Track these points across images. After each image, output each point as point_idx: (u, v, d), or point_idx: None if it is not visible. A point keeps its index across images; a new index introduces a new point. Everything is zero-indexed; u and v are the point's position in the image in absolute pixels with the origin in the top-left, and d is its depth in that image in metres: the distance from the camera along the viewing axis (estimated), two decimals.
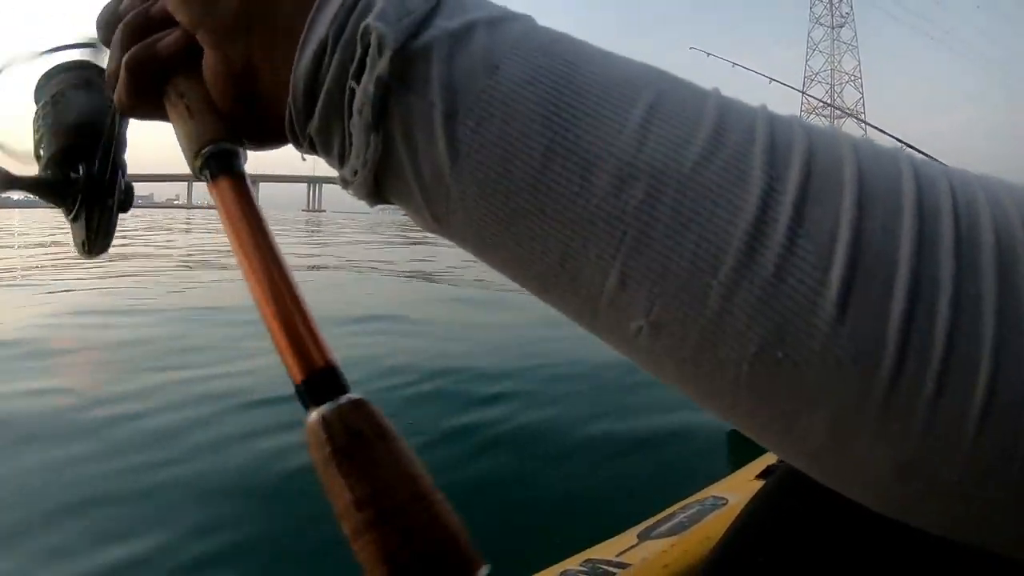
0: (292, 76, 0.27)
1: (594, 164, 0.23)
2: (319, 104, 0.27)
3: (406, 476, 0.24)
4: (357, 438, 0.24)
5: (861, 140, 0.24)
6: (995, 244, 0.21)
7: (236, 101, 0.30)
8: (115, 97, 0.34)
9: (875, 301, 0.20)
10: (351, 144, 0.27)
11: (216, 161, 0.30)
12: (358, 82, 0.26)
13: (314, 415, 0.25)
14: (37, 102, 0.45)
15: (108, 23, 0.35)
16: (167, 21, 0.33)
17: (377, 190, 0.28)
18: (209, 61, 0.31)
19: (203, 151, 0.30)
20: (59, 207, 0.44)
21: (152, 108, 0.34)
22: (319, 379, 0.25)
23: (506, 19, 0.27)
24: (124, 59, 0.33)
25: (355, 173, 0.27)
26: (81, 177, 0.43)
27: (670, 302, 0.23)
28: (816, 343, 0.21)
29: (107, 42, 0.35)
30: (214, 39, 0.30)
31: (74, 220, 0.44)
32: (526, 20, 0.27)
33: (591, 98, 0.24)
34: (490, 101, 0.24)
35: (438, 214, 0.27)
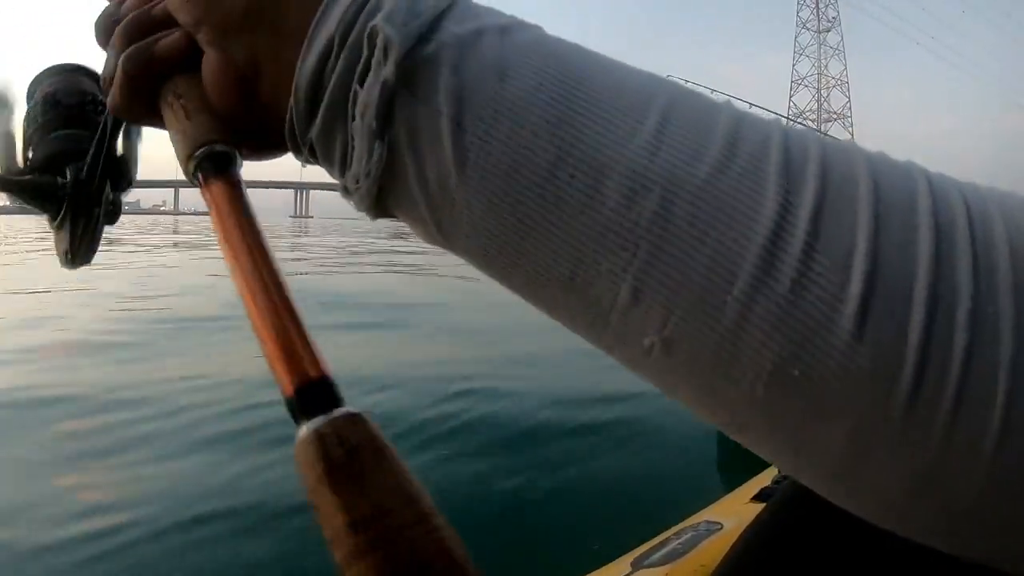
0: (296, 76, 0.26)
1: (605, 174, 0.23)
2: (322, 106, 0.26)
3: (407, 497, 0.21)
4: (354, 454, 0.22)
5: (875, 154, 0.24)
6: (1010, 259, 0.21)
7: (236, 104, 0.29)
8: (109, 99, 0.33)
9: (893, 317, 0.20)
10: (354, 151, 0.26)
11: (212, 162, 0.29)
12: (363, 85, 0.25)
13: (306, 429, 0.22)
14: (28, 100, 0.43)
15: (106, 26, 0.34)
16: (168, 23, 0.32)
17: (379, 201, 0.27)
18: (211, 60, 0.30)
19: (198, 152, 0.29)
20: (43, 213, 0.42)
21: (146, 111, 0.32)
22: (312, 391, 0.23)
23: (516, 27, 0.26)
24: (121, 59, 0.32)
25: (357, 182, 0.26)
26: (68, 182, 0.41)
27: (684, 317, 0.22)
28: (834, 360, 0.20)
29: (105, 46, 0.34)
30: (217, 37, 0.29)
31: (59, 228, 0.42)
32: (536, 29, 0.27)
33: (602, 107, 0.23)
34: (498, 108, 0.24)
35: (443, 225, 0.26)
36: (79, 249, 0.42)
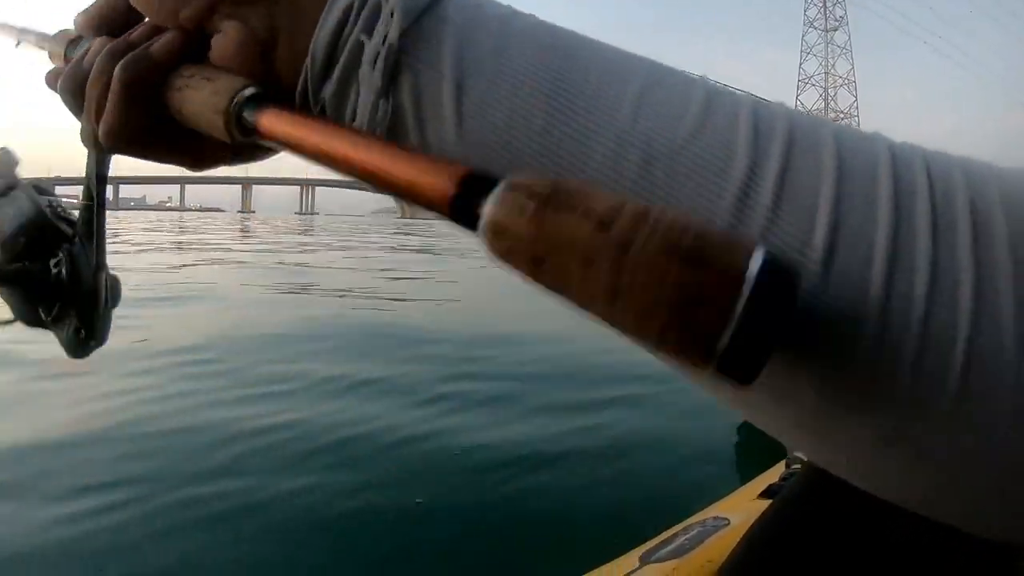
0: (315, 36, 0.27)
1: (593, 134, 0.25)
2: (340, 63, 0.27)
3: (625, 197, 0.21)
4: (557, 182, 0.21)
5: (841, 125, 0.26)
6: (970, 221, 0.22)
7: (252, 74, 0.29)
8: (101, 127, 0.31)
9: (856, 265, 0.22)
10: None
11: (254, 101, 0.28)
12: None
13: (494, 198, 0.21)
14: None
15: (76, 85, 0.32)
16: (149, 40, 0.31)
17: None
18: (229, 34, 0.29)
19: (235, 99, 0.28)
20: (33, 307, 0.38)
21: (147, 125, 0.31)
22: (474, 179, 0.23)
23: (513, 13, 0.28)
24: (116, 72, 0.30)
25: None
26: (63, 258, 0.37)
27: None
28: (801, 304, 0.21)
29: (79, 106, 0.32)
30: (236, 7, 0.29)
31: (56, 320, 0.38)
32: (531, 16, 0.29)
33: (592, 76, 0.26)
34: (497, 76, 0.26)
35: None
36: (94, 328, 0.38)
